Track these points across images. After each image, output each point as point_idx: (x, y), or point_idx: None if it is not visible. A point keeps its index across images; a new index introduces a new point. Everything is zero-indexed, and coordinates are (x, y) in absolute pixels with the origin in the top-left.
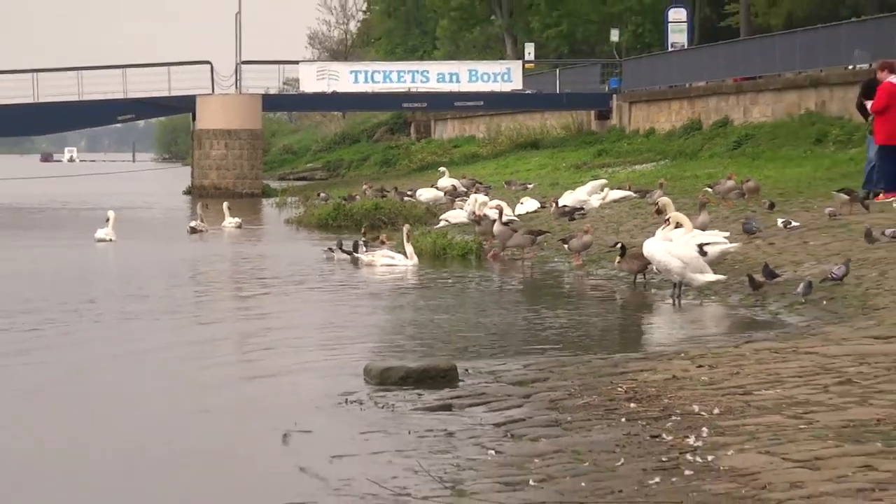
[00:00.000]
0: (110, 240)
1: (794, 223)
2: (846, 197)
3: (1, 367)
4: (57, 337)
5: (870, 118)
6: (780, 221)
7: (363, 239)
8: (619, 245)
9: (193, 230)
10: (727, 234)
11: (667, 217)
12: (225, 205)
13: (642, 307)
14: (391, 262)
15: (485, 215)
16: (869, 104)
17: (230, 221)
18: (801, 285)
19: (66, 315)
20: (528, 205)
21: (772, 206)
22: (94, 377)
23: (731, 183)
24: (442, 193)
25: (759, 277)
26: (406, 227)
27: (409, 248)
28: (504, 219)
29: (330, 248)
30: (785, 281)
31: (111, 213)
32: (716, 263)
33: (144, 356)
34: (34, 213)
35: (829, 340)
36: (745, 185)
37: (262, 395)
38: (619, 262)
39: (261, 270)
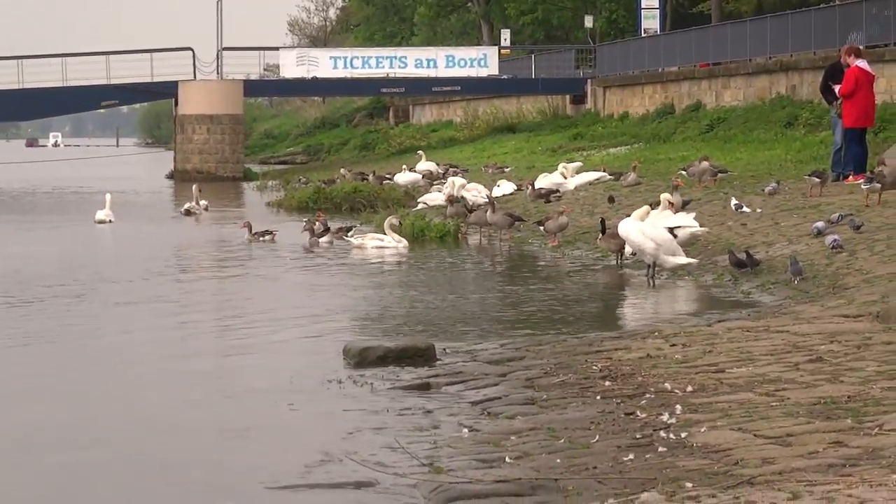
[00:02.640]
0: (109, 221)
1: (745, 208)
2: (817, 180)
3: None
4: (61, 315)
5: (836, 102)
6: (732, 203)
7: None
8: (601, 221)
9: (188, 212)
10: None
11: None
12: (195, 187)
13: (617, 287)
14: (381, 245)
15: (462, 197)
16: (836, 88)
17: (195, 204)
18: (791, 268)
19: (73, 291)
20: (505, 187)
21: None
22: (78, 359)
23: (705, 165)
24: (420, 177)
25: (741, 255)
26: (390, 221)
27: (395, 234)
28: (480, 201)
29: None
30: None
31: (108, 196)
32: (686, 245)
33: (133, 336)
34: (27, 197)
35: (800, 319)
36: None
37: (241, 374)
38: (600, 240)
39: (247, 251)
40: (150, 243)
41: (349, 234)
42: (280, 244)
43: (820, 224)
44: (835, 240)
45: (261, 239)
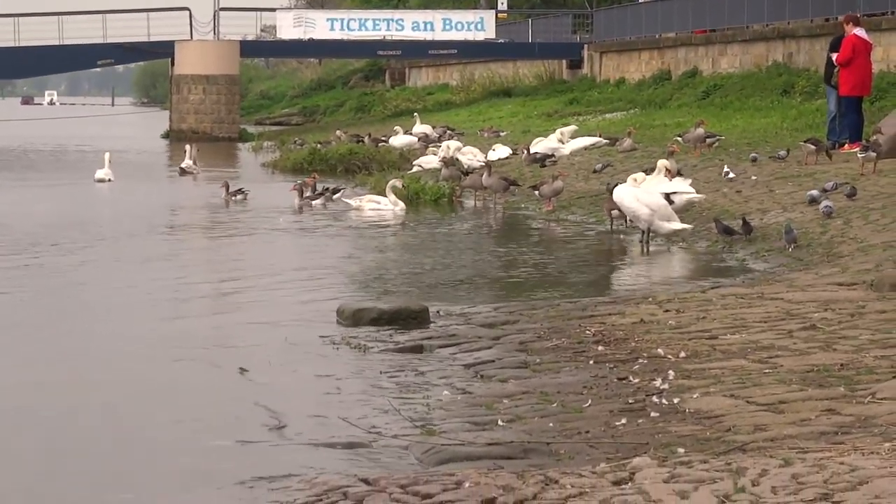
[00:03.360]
0: (109, 180)
1: (731, 174)
2: (813, 147)
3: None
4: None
5: (835, 70)
6: (724, 171)
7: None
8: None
9: (184, 171)
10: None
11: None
12: (192, 147)
13: (611, 253)
14: (378, 207)
15: (457, 160)
16: (835, 56)
17: (192, 164)
18: (786, 236)
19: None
20: (500, 151)
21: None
22: (72, 315)
23: (700, 131)
24: (415, 139)
25: (732, 225)
26: (393, 184)
27: (392, 197)
28: (475, 164)
29: (327, 190)
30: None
31: (107, 154)
32: (682, 211)
33: (127, 295)
34: (25, 155)
35: (794, 287)
36: (552, 186)
37: (234, 333)
38: (606, 203)
39: (244, 212)
40: (148, 203)
41: (335, 196)
42: (273, 205)
43: (814, 192)
44: (827, 206)
45: (234, 198)
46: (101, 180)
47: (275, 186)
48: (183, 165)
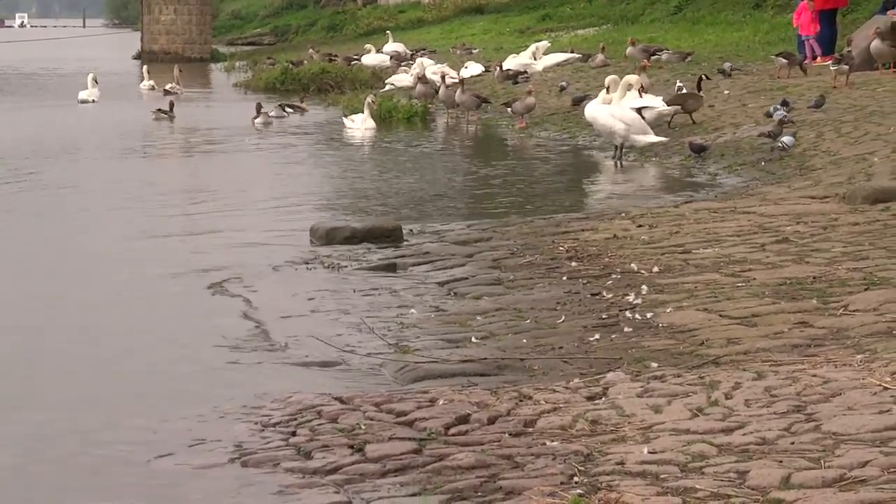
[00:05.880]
0: (93, 101)
1: (684, 89)
2: (784, 61)
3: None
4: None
5: None
6: (677, 86)
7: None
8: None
9: (167, 92)
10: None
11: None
12: (145, 68)
13: (584, 169)
14: (349, 126)
15: (428, 78)
16: None
17: (176, 84)
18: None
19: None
20: (473, 69)
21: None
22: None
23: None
24: (388, 58)
25: (699, 142)
26: (369, 99)
27: (367, 117)
28: (448, 81)
29: (281, 106)
30: (724, 143)
31: (91, 76)
32: (654, 126)
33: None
34: (1, 79)
35: (766, 200)
36: (524, 102)
37: (209, 255)
38: None
39: (223, 131)
40: (131, 121)
41: (285, 110)
42: (246, 125)
43: (776, 111)
44: (784, 115)
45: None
46: (85, 101)
47: (248, 106)
48: (167, 87)
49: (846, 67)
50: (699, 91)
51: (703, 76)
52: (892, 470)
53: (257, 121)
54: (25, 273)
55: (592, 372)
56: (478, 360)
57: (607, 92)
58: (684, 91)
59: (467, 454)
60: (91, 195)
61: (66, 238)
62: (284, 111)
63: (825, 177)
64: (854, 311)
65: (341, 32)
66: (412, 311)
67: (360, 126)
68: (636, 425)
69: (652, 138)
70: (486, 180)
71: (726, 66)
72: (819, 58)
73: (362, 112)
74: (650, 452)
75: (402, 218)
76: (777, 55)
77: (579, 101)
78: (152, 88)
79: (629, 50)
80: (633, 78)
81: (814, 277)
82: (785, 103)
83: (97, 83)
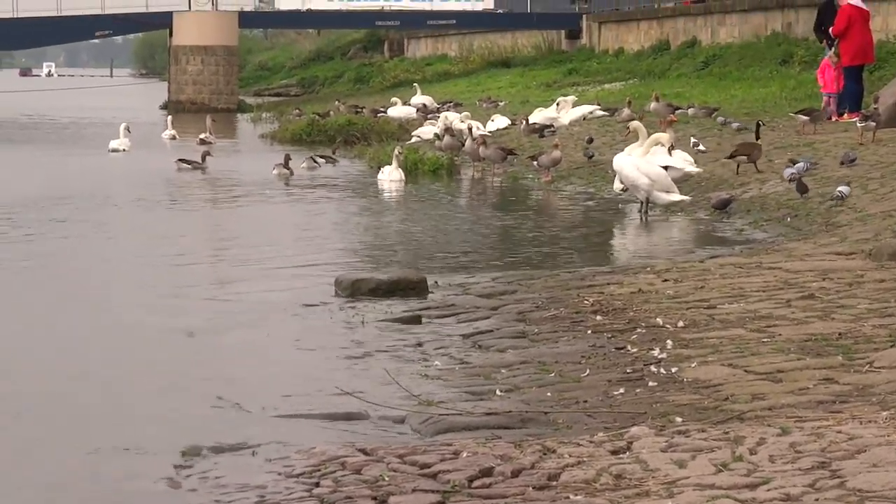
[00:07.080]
0: (124, 150)
1: (702, 147)
2: (806, 118)
3: None
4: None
5: (833, 44)
6: (692, 142)
7: (331, 153)
8: None
9: (202, 141)
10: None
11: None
12: (169, 118)
13: (609, 222)
14: (378, 178)
15: (459, 130)
16: (831, 30)
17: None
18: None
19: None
20: (499, 122)
21: (590, 140)
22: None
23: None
24: (414, 110)
25: (724, 197)
26: (397, 151)
27: (395, 169)
28: (475, 134)
29: (312, 158)
30: (750, 198)
31: (123, 125)
32: (679, 183)
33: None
34: (31, 126)
35: (792, 256)
36: (550, 156)
37: (232, 304)
38: None
39: (250, 183)
40: (159, 171)
41: (316, 160)
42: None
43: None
44: (792, 173)
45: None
46: (116, 150)
47: (275, 157)
48: (202, 136)
49: (873, 124)
50: (757, 139)
51: (760, 122)
52: None
53: (273, 172)
54: (38, 320)
55: (617, 426)
56: (502, 413)
57: (626, 134)
58: (741, 142)
59: None
60: (123, 244)
61: (88, 291)
62: (315, 161)
63: (851, 233)
64: (880, 367)
65: (368, 84)
66: (436, 363)
67: (387, 177)
68: (660, 480)
69: (675, 197)
70: (511, 233)
71: (729, 121)
72: (846, 114)
73: (390, 164)
74: None
75: (427, 270)
76: (797, 112)
77: (591, 157)
78: (173, 138)
79: (653, 105)
80: (663, 137)
81: (839, 334)
82: (793, 162)
83: (129, 132)
